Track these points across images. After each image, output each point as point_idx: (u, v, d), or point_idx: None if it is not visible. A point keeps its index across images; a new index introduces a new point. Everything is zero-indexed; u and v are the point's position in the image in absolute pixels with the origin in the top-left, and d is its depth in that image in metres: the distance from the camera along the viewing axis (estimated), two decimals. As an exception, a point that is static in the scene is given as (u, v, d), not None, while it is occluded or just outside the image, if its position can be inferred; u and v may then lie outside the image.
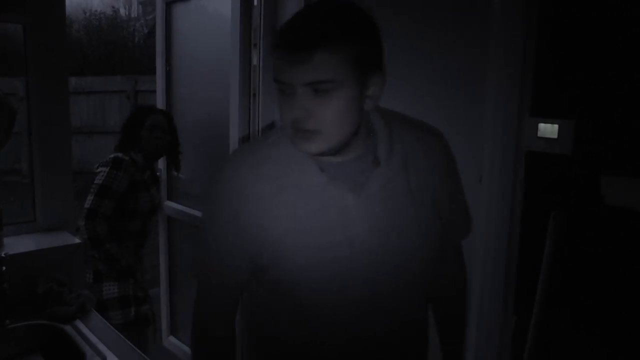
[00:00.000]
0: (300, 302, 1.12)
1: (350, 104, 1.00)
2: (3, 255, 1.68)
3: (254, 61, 2.66)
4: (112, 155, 2.54)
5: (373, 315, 1.11)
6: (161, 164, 3.08)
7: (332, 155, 1.07)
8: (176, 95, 3.15)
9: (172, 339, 3.20)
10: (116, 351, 1.55)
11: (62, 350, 1.64)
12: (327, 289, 1.09)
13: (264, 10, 2.57)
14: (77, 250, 2.04)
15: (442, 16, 1.99)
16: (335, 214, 1.07)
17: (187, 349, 3.03)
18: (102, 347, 1.57)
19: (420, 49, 2.06)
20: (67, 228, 2.17)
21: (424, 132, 1.21)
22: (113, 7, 13.34)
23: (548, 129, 1.51)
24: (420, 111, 2.10)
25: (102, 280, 2.47)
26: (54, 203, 2.13)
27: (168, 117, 2.78)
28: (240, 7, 2.54)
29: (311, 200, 1.07)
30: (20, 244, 1.98)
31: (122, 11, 13.67)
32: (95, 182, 2.45)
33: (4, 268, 1.65)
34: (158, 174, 2.95)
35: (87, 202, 2.42)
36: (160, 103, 3.19)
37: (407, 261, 1.10)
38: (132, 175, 2.52)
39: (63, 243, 2.03)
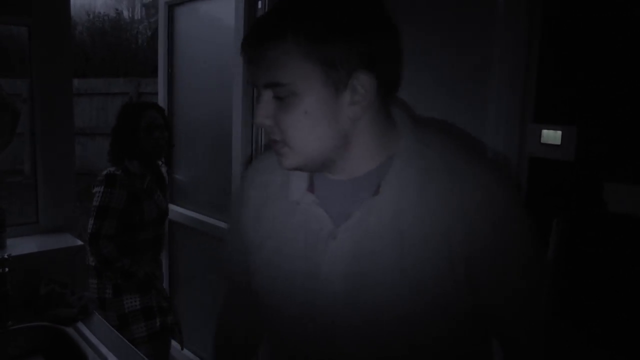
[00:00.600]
0: (268, 319, 1.04)
1: (320, 113, 0.84)
2: (6, 256, 1.68)
3: (257, 64, 2.66)
4: (104, 172, 2.37)
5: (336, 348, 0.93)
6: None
7: (320, 172, 0.93)
8: (178, 97, 3.16)
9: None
10: (118, 353, 1.55)
11: (63, 352, 1.64)
12: (292, 314, 0.96)
13: (268, 14, 2.57)
14: (79, 252, 2.04)
15: (443, 22, 1.99)
16: (307, 239, 0.92)
17: (193, 357, 3.02)
18: (103, 349, 1.57)
19: (422, 54, 2.06)
20: (70, 230, 2.17)
21: (476, 166, 0.89)
22: (116, 9, 13.37)
23: (551, 135, 1.51)
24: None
25: (123, 294, 2.35)
26: (56, 204, 2.14)
27: (161, 111, 2.58)
28: (244, 10, 2.55)
29: (288, 218, 0.95)
30: (22, 246, 1.98)
31: (126, 13, 13.70)
32: (93, 204, 2.32)
33: (6, 269, 1.65)
34: (164, 173, 2.75)
35: (89, 226, 2.29)
36: (162, 105, 3.20)
37: (377, 315, 0.88)
38: (129, 187, 2.36)
39: (65, 245, 2.04)
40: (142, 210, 2.40)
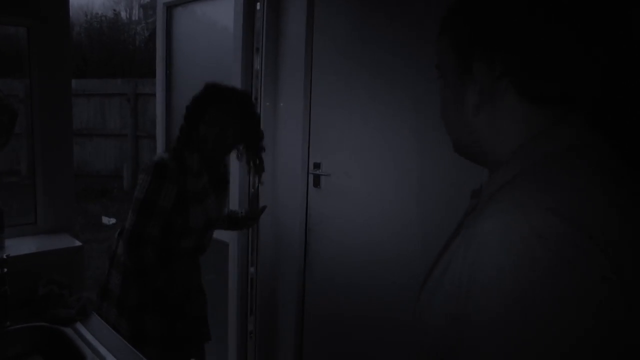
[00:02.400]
0: None
1: (448, 96, 0.87)
2: (4, 257, 1.68)
3: (256, 65, 2.67)
4: (155, 158, 2.01)
5: None
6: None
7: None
8: (176, 98, 3.16)
9: None
10: (116, 354, 1.55)
11: (62, 352, 1.64)
12: None
13: (267, 14, 2.58)
14: (77, 252, 2.04)
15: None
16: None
17: None
18: (102, 350, 1.57)
19: (423, 55, 2.07)
20: (68, 230, 2.17)
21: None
22: (114, 10, 13.37)
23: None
24: (422, 117, 2.12)
25: (146, 309, 2.05)
26: (55, 205, 2.14)
27: (243, 101, 2.12)
28: (243, 12, 2.56)
29: None
30: (21, 246, 1.98)
31: (123, 14, 13.70)
32: (135, 195, 1.96)
33: (5, 270, 1.65)
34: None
35: (129, 221, 1.96)
36: (160, 107, 3.20)
37: None
38: (180, 184, 1.99)
39: (64, 245, 2.04)
40: (187, 215, 2.04)
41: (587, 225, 0.63)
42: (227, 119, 2.03)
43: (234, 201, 2.70)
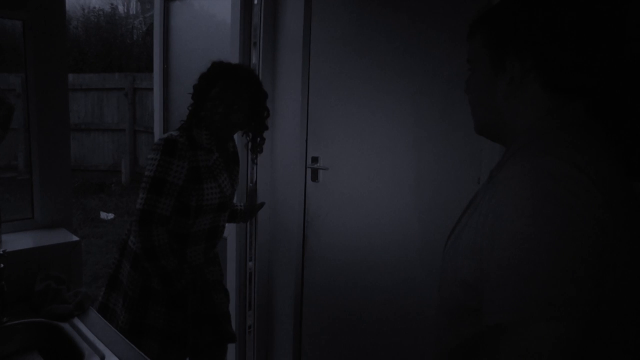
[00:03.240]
0: None
1: (479, 85, 1.05)
2: (1, 252, 1.67)
3: (254, 60, 2.66)
4: (164, 136, 1.97)
5: None
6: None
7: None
8: (174, 93, 3.15)
9: None
10: (114, 349, 1.55)
11: (60, 348, 1.63)
12: None
13: (264, 9, 2.57)
14: (75, 247, 2.03)
15: (443, 16, 1.99)
16: None
17: None
18: (100, 346, 1.56)
19: (421, 48, 2.06)
20: (66, 225, 2.16)
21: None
22: (111, 4, 13.29)
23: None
24: (420, 110, 2.11)
25: (149, 299, 2.00)
26: (52, 200, 2.12)
27: (249, 77, 2.10)
28: (241, 6, 2.55)
29: None
30: (18, 241, 1.97)
31: (121, 8, 13.62)
32: (145, 174, 1.92)
33: (2, 265, 1.65)
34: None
35: (139, 200, 1.91)
36: (157, 101, 3.19)
37: None
38: (191, 160, 1.95)
39: (61, 240, 2.03)
40: (202, 193, 1.99)
41: (586, 169, 0.83)
42: (233, 95, 2.01)
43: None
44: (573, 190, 0.81)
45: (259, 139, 2.20)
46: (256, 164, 2.51)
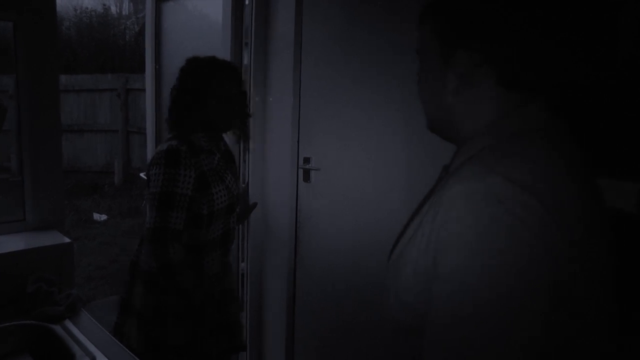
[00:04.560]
0: None
1: (428, 78, 0.96)
2: (-8, 254, 1.67)
3: (245, 61, 2.66)
4: (164, 147, 1.87)
5: None
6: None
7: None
8: (166, 93, 3.14)
9: None
10: (105, 351, 1.55)
11: (51, 350, 1.63)
12: None
13: (255, 9, 2.57)
14: (67, 249, 2.03)
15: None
16: None
17: None
18: (91, 347, 1.56)
19: (411, 49, 2.07)
20: (58, 227, 2.16)
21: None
22: (104, 4, 13.25)
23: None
24: (411, 111, 2.12)
25: (167, 318, 1.91)
26: (44, 202, 2.12)
27: (233, 67, 2.07)
28: (232, 7, 2.55)
29: None
30: (9, 243, 1.97)
31: (113, 9, 13.58)
32: (150, 190, 1.83)
33: (-8, 267, 1.65)
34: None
35: (148, 219, 1.82)
36: (149, 102, 3.19)
37: None
38: (197, 167, 1.87)
39: (53, 242, 2.03)
40: (212, 198, 1.91)
41: (539, 193, 0.74)
42: (229, 88, 1.97)
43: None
44: (522, 218, 0.72)
45: (245, 127, 2.17)
46: (249, 154, 2.48)
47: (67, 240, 2.06)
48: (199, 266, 1.96)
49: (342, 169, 2.40)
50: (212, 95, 1.93)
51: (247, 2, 2.58)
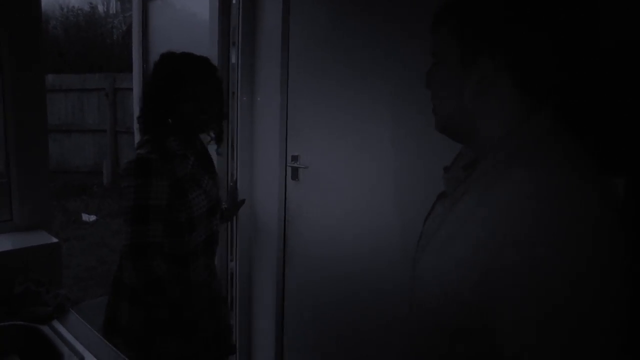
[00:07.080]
0: None
1: (446, 81, 0.97)
2: (-22, 255, 1.66)
3: (233, 60, 2.66)
4: (132, 158, 1.78)
5: None
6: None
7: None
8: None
9: None
10: (94, 351, 1.55)
11: (39, 350, 1.63)
12: None
13: (243, 9, 2.57)
14: (55, 249, 2.02)
15: (418, 17, 2.01)
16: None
17: None
18: (79, 347, 1.56)
19: (398, 48, 2.08)
20: (45, 227, 2.15)
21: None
22: (91, 3, 13.18)
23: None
24: (398, 109, 2.13)
25: (156, 333, 1.85)
26: (30, 202, 2.11)
27: (208, 65, 1.95)
28: (219, 6, 2.55)
29: None
30: (-4, 244, 1.96)
31: (100, 8, 13.51)
32: (124, 204, 1.74)
33: (-21, 268, 1.64)
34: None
35: (125, 235, 1.73)
36: (136, 102, 3.17)
37: None
38: (169, 175, 1.77)
39: (40, 242, 2.02)
40: (189, 205, 1.82)
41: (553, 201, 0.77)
42: (204, 87, 1.85)
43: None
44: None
45: (219, 129, 2.06)
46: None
47: (54, 240, 2.06)
48: (186, 276, 1.89)
49: (330, 167, 2.41)
50: (186, 94, 1.82)
51: (234, 1, 2.58)
